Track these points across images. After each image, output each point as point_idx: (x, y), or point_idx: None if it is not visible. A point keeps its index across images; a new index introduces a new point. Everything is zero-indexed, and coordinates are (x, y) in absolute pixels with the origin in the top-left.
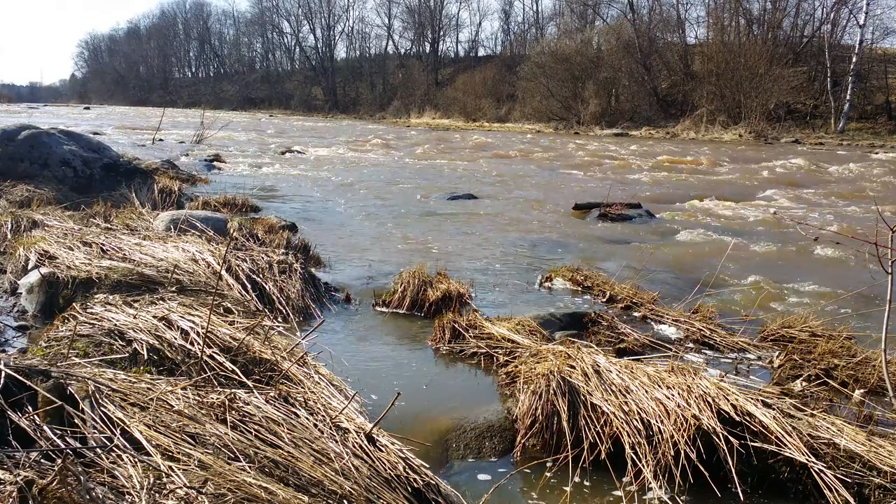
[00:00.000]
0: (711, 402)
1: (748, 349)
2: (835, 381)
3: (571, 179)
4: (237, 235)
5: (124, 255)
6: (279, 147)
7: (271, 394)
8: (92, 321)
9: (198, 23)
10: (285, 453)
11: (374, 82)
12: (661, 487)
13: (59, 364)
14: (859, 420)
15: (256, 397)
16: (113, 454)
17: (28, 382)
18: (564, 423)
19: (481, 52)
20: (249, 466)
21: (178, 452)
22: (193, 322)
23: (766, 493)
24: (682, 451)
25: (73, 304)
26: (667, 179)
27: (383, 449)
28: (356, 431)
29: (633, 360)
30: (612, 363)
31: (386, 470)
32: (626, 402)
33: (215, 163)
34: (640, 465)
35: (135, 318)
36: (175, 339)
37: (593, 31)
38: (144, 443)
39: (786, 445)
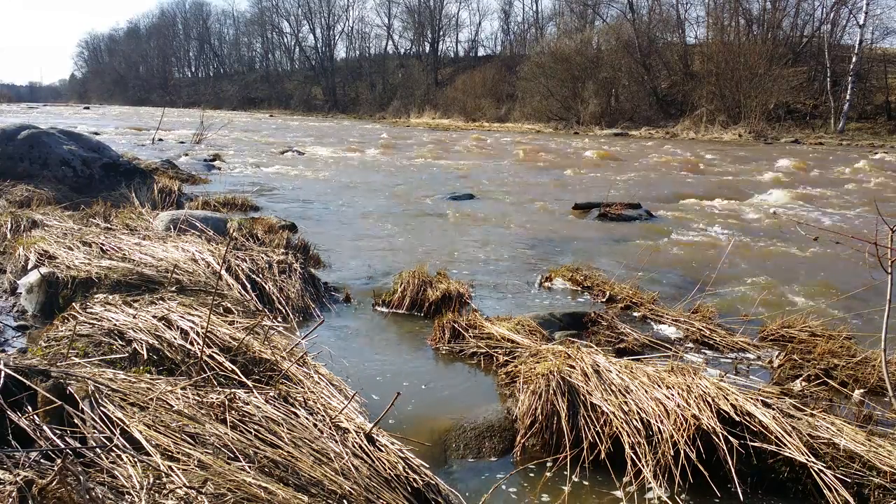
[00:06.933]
0: (711, 401)
1: (748, 349)
2: (834, 381)
3: (571, 179)
4: (237, 235)
5: (124, 254)
6: (279, 147)
7: (271, 394)
8: (92, 321)
9: (197, 23)
10: (285, 453)
11: (373, 82)
12: (660, 487)
13: (58, 364)
14: (859, 420)
15: (256, 397)
16: (113, 454)
17: (28, 382)
18: (564, 423)
19: (481, 52)
20: (249, 466)
21: (178, 452)
22: (193, 322)
23: (766, 493)
24: (682, 451)
25: (73, 303)
26: (667, 179)
27: (383, 449)
28: (356, 431)
29: (632, 360)
30: (612, 363)
31: (386, 470)
32: (625, 402)
33: (215, 163)
34: (640, 465)
35: (134, 317)
36: (175, 338)
37: (593, 30)
38: (144, 443)
39: (785, 445)
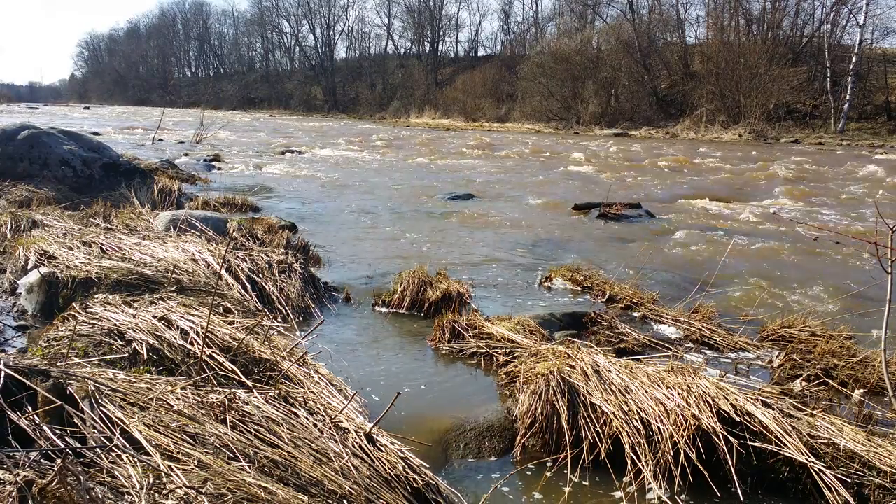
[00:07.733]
0: (711, 401)
1: (748, 349)
2: (834, 381)
3: (571, 179)
4: (237, 235)
5: (124, 254)
6: (279, 147)
7: (271, 394)
8: (92, 321)
9: (197, 23)
10: (285, 453)
11: (373, 82)
12: (660, 487)
13: (58, 364)
14: (859, 420)
15: (256, 397)
16: (113, 454)
17: (28, 382)
18: (564, 423)
19: (481, 52)
20: (249, 466)
21: (178, 452)
22: (193, 322)
23: (766, 493)
24: (682, 451)
25: (73, 303)
26: (667, 179)
27: (383, 449)
28: (356, 431)
29: (632, 359)
30: (612, 363)
31: (386, 470)
32: (625, 402)
33: (215, 163)
34: (640, 465)
35: (134, 317)
36: (175, 338)
37: (593, 30)
38: (144, 443)
39: (785, 445)
